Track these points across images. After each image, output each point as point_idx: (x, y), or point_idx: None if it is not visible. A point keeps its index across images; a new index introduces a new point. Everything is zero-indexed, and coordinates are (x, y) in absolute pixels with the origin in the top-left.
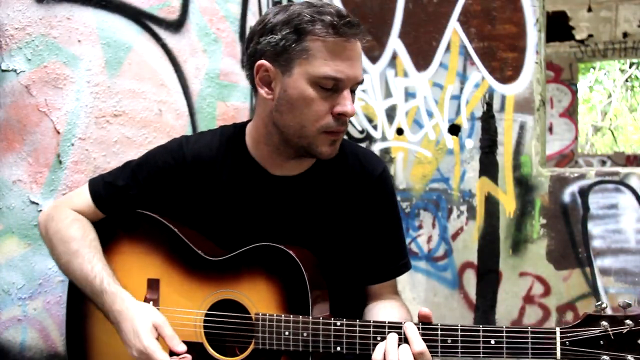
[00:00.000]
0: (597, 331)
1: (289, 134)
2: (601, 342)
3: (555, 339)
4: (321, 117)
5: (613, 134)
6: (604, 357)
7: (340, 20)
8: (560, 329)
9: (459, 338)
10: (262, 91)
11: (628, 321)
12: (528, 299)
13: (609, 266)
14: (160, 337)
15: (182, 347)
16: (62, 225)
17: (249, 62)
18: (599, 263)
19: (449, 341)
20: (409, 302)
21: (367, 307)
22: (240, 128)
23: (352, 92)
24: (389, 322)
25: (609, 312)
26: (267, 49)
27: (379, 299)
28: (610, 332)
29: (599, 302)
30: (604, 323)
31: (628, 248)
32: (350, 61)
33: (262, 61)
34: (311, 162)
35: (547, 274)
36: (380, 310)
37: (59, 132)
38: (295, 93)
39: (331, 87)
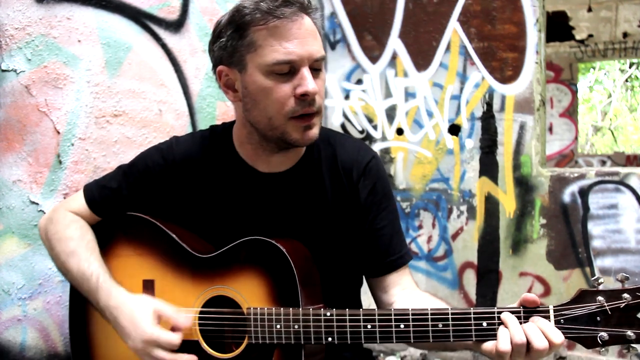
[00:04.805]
0: (594, 307)
1: (262, 129)
2: (598, 318)
3: (549, 317)
4: (284, 103)
5: (613, 134)
6: (602, 333)
7: (276, 2)
8: (554, 306)
9: (450, 322)
10: (229, 96)
11: (625, 295)
12: None
13: (609, 266)
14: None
15: (188, 321)
16: (61, 226)
17: (213, 73)
18: (599, 263)
19: (440, 325)
20: None
21: (395, 296)
22: (227, 127)
23: (315, 70)
24: (378, 311)
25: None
26: (221, 54)
27: (406, 289)
28: (607, 307)
29: (595, 277)
30: (600, 298)
31: (628, 248)
32: (298, 39)
33: (221, 67)
34: (298, 157)
35: (547, 274)
36: (420, 299)
37: (59, 132)
38: (254, 87)
39: (288, 71)
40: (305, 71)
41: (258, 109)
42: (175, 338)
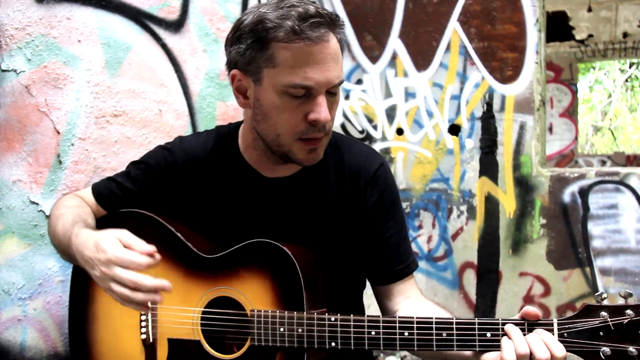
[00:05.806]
0: (597, 322)
1: (268, 142)
2: (601, 333)
3: (552, 330)
4: (295, 125)
5: (613, 134)
6: (604, 348)
7: (304, 22)
8: (558, 320)
9: (454, 332)
10: (239, 100)
11: (629, 311)
12: (528, 299)
13: (609, 266)
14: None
15: (151, 247)
16: (61, 202)
17: (227, 70)
18: (599, 263)
19: (444, 334)
20: None
21: (400, 304)
22: (234, 129)
23: (331, 94)
24: (383, 318)
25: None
26: (237, 58)
27: (410, 297)
28: (610, 323)
29: (599, 292)
30: (604, 313)
31: (628, 248)
32: (320, 65)
33: (235, 71)
34: None
35: (547, 274)
36: (425, 308)
37: (59, 132)
38: (266, 102)
39: (303, 95)
40: (321, 98)
41: (268, 123)
42: (139, 257)
